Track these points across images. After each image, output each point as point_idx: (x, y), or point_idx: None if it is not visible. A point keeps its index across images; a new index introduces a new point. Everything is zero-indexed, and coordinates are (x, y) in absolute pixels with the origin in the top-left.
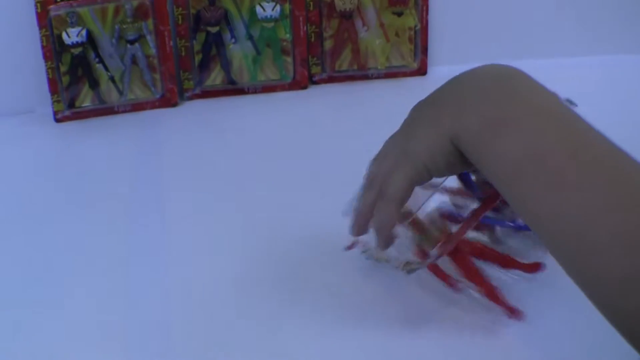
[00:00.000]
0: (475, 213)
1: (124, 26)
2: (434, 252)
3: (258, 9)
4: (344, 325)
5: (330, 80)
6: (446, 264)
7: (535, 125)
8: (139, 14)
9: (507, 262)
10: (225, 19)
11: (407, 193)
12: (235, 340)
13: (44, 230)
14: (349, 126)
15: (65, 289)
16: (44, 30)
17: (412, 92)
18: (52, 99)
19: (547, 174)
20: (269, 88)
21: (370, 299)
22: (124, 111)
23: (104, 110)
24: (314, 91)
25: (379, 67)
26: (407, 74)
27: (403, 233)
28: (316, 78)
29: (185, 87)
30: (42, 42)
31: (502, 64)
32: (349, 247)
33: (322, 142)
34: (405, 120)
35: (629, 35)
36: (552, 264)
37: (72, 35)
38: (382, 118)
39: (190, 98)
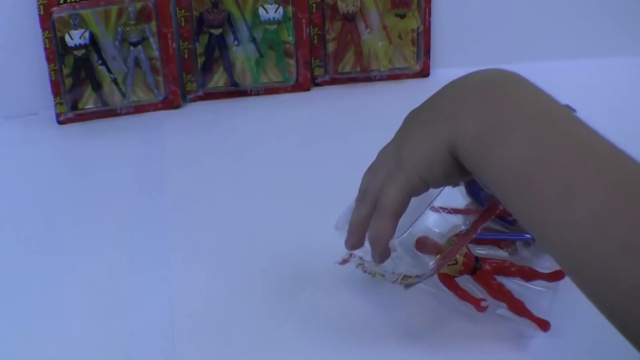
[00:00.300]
0: (474, 225)
1: (127, 28)
2: (431, 265)
3: (261, 11)
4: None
5: (333, 82)
6: (466, 284)
7: (537, 130)
8: (142, 16)
9: (528, 274)
10: (228, 21)
11: (403, 205)
12: (230, 349)
13: (47, 233)
14: (351, 128)
15: (67, 291)
16: (46, 32)
17: (414, 94)
18: (54, 101)
19: (552, 182)
20: (271, 90)
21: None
22: (127, 113)
23: (107, 112)
24: (316, 93)
25: (382, 69)
26: (410, 76)
27: (399, 247)
28: (319, 80)
29: (188, 89)
30: (44, 44)
31: (500, 69)
32: (343, 262)
33: (325, 144)
34: (399, 129)
35: (632, 38)
36: None
37: (75, 38)
38: (385, 120)
39: (193, 100)
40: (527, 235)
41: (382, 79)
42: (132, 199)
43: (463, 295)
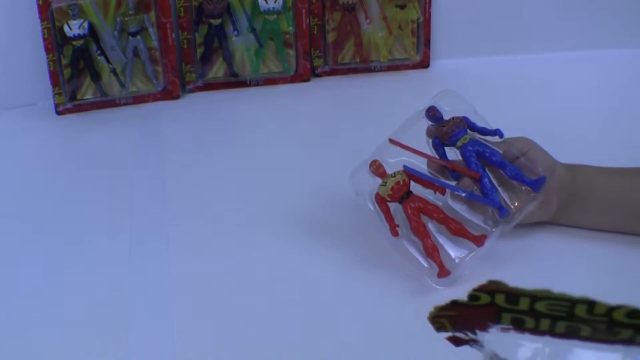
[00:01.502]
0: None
1: (126, 18)
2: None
3: (261, 1)
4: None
5: (333, 73)
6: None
7: None
8: (141, 6)
9: (456, 229)
10: (228, 11)
11: None
12: (230, 341)
13: (46, 223)
14: (351, 119)
15: (66, 282)
16: (45, 22)
17: (414, 85)
18: (53, 91)
19: None
20: (271, 81)
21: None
22: (126, 104)
23: (106, 102)
24: (316, 84)
25: (382, 60)
26: (410, 66)
27: None
28: (318, 71)
29: (187, 79)
30: (43, 34)
31: None
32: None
33: (324, 135)
34: None
35: (629, 31)
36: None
37: (74, 28)
38: (384, 111)
39: (192, 90)
40: (464, 193)
41: (382, 69)
42: (131, 189)
43: (387, 217)
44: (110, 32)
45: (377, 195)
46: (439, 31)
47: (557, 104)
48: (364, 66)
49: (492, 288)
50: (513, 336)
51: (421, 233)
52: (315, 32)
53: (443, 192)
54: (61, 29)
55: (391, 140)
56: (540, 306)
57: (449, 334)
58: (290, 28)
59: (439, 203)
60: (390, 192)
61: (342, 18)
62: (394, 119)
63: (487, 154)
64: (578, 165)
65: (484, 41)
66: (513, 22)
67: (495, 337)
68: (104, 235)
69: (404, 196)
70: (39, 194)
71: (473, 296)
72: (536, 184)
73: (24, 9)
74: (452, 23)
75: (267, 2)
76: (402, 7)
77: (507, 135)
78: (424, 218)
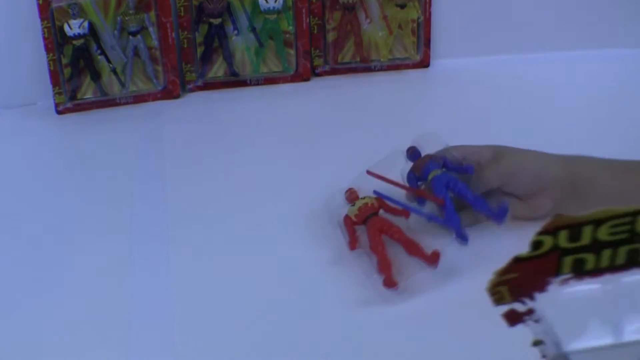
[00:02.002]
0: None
1: (126, 18)
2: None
3: (261, 1)
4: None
5: (333, 72)
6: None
7: None
8: (141, 5)
9: (412, 247)
10: (228, 10)
11: None
12: (229, 340)
13: (45, 223)
14: (351, 118)
15: (66, 282)
16: (45, 22)
17: (414, 84)
18: (53, 91)
19: None
20: (271, 80)
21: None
22: (126, 103)
23: (106, 102)
24: (316, 83)
25: (382, 60)
26: (410, 66)
27: None
28: (319, 70)
29: (188, 79)
30: (43, 33)
31: None
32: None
33: (324, 134)
34: None
35: (629, 31)
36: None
37: (74, 27)
38: (384, 110)
39: (192, 90)
40: (426, 216)
41: (382, 69)
42: (131, 189)
43: (350, 233)
44: (111, 31)
45: (345, 216)
46: (439, 31)
47: (557, 104)
48: (364, 66)
49: (556, 225)
50: (571, 289)
51: (376, 250)
52: (315, 31)
53: (407, 216)
54: (61, 29)
55: (369, 172)
56: (602, 232)
57: (507, 307)
58: (291, 27)
59: (402, 225)
60: (357, 212)
61: (342, 17)
62: (394, 119)
63: (455, 187)
64: (579, 157)
65: (484, 41)
66: (513, 22)
67: (553, 297)
68: (104, 235)
69: (369, 216)
70: (38, 194)
71: (536, 243)
72: (499, 216)
73: (24, 9)
74: (452, 23)
75: (267, 1)
76: (402, 6)
77: (504, 136)
78: (385, 238)
